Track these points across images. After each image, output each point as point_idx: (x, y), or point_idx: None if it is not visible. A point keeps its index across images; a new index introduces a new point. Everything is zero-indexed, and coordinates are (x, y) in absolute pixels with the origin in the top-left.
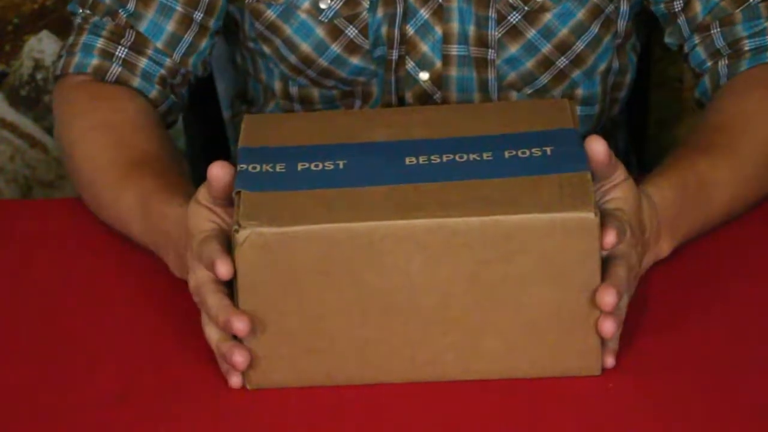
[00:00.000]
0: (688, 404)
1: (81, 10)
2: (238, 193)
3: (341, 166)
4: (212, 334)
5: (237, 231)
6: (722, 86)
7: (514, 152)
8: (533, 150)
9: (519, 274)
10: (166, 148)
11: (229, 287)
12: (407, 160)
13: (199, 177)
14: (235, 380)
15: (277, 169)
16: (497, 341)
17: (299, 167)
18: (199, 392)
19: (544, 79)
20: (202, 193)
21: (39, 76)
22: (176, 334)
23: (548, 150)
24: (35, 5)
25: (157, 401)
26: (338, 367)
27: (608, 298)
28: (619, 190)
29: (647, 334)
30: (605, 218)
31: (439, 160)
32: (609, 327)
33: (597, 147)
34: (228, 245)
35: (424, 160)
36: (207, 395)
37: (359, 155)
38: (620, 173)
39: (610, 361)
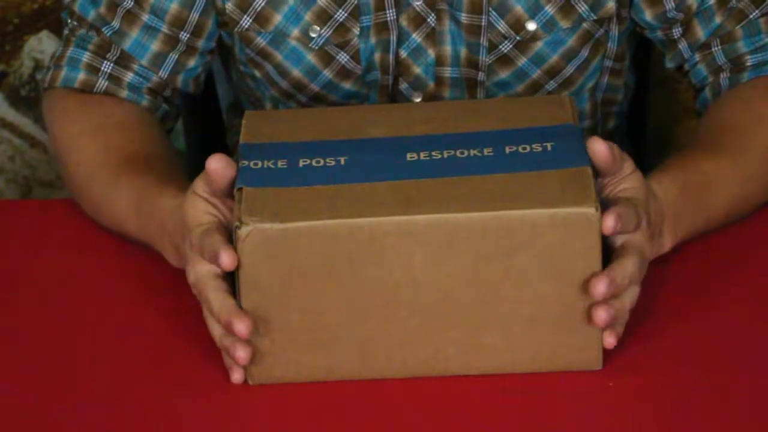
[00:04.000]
0: (688, 404)
1: (69, 21)
2: (240, 189)
3: (342, 162)
4: (215, 328)
5: (239, 227)
6: (725, 93)
7: (515, 148)
8: (534, 146)
9: (520, 270)
10: (158, 146)
11: (231, 281)
12: (408, 156)
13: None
14: (237, 376)
15: (279, 165)
16: (498, 336)
17: (301, 163)
18: (200, 389)
19: None
20: (199, 184)
21: (39, 76)
22: (176, 333)
23: (549, 145)
24: (35, 5)
25: (157, 399)
26: (340, 363)
27: (600, 287)
28: (629, 181)
29: (647, 333)
30: (617, 204)
31: (440, 156)
32: (601, 316)
33: (598, 147)
34: (228, 237)
35: (425, 156)
36: (208, 392)
37: (360, 151)
38: (628, 165)
39: (609, 341)
